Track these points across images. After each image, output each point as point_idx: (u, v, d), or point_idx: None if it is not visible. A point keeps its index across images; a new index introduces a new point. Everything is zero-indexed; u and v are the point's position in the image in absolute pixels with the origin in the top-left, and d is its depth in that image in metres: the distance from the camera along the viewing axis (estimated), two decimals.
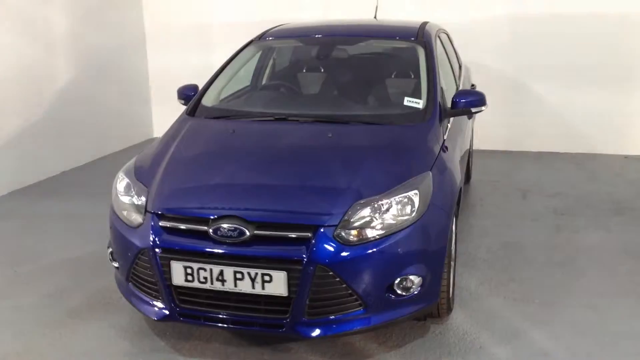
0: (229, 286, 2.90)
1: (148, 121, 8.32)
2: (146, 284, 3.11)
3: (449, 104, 3.90)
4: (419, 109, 3.75)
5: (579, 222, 4.97)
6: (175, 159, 3.43)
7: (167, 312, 3.06)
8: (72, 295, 3.88)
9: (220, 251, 2.90)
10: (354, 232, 2.88)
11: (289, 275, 2.81)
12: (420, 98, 3.84)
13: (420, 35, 4.35)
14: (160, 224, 3.04)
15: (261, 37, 4.62)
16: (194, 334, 3.37)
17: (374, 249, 2.87)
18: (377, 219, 2.92)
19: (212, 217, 2.95)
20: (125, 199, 3.27)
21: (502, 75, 7.19)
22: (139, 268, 3.10)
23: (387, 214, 2.94)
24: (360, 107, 4.01)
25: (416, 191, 3.03)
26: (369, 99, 4.12)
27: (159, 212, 3.06)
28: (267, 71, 4.65)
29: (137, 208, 3.17)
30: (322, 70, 4.43)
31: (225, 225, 2.89)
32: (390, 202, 2.96)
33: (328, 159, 3.30)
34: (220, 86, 4.28)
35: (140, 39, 8.03)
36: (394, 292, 2.95)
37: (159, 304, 3.08)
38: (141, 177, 3.32)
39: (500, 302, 3.69)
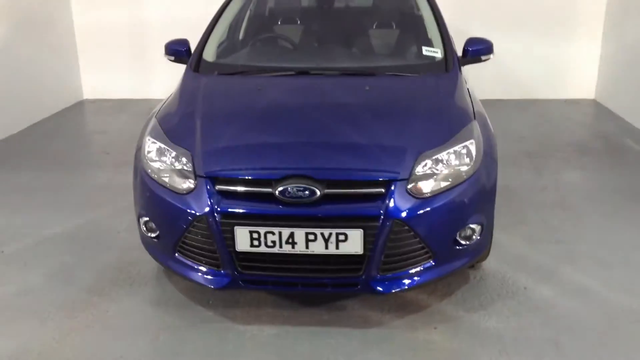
0: (299, 248, 2.79)
1: (77, 82, 7.69)
2: (202, 252, 2.93)
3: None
4: (438, 58, 3.74)
5: (553, 163, 5.23)
6: (210, 118, 3.22)
7: (228, 279, 2.91)
8: (82, 272, 3.59)
9: (290, 213, 2.77)
10: (423, 185, 2.85)
11: (365, 232, 2.75)
12: (434, 47, 3.83)
13: None
14: (217, 188, 2.85)
15: None
16: (240, 300, 3.24)
17: (444, 201, 2.87)
18: (442, 171, 2.91)
19: (275, 178, 2.80)
20: (162, 164, 3.03)
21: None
22: (192, 236, 2.91)
23: (450, 165, 2.93)
24: (379, 57, 3.93)
25: (472, 140, 3.05)
26: (382, 49, 4.05)
27: (214, 176, 2.86)
28: (262, 22, 4.43)
29: (182, 173, 2.95)
30: (323, 20, 4.29)
31: (293, 186, 2.76)
32: (452, 153, 2.96)
33: (378, 113, 3.22)
34: (216, 40, 4.03)
35: None
36: (458, 242, 2.97)
37: (218, 272, 2.92)
38: (177, 139, 3.08)
39: (520, 244, 3.83)
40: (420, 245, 2.86)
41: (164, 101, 3.60)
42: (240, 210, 2.80)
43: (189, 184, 2.91)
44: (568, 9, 7.14)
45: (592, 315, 3.11)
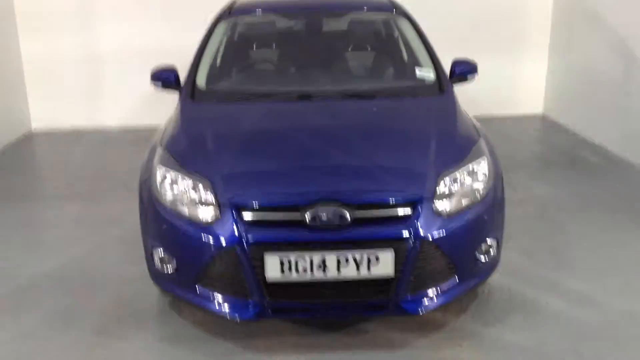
0: (331, 273, 2.77)
1: (24, 113, 7.35)
2: (227, 282, 2.86)
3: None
4: (431, 79, 3.83)
5: (523, 178, 5.43)
6: (225, 145, 3.17)
7: (257, 309, 2.84)
8: (81, 313, 3.41)
9: (322, 239, 2.75)
10: (446, 203, 2.90)
11: (396, 254, 2.76)
12: (424, 68, 3.92)
13: (397, 7, 4.41)
14: (243, 216, 2.79)
15: (230, 12, 4.34)
16: (258, 330, 3.16)
17: (467, 218, 2.93)
18: (460, 189, 2.97)
19: (304, 204, 2.78)
20: (177, 194, 2.95)
21: None
22: (217, 266, 2.83)
23: (467, 183, 3.00)
24: (374, 80, 3.99)
25: (484, 157, 3.14)
26: (373, 72, 4.11)
27: (240, 204, 2.81)
28: (249, 47, 4.39)
29: (202, 202, 2.88)
30: (311, 44, 4.30)
31: (323, 211, 2.74)
32: (468, 172, 3.03)
33: (391, 135, 3.26)
34: (206, 66, 3.97)
35: (8, 18, 7.00)
36: (478, 258, 3.04)
37: (246, 302, 2.85)
38: (191, 167, 3.01)
39: (515, 257, 3.94)
40: (446, 264, 2.90)
41: (162, 130, 3.50)
42: (270, 238, 2.76)
43: (212, 213, 2.84)
44: (514, 26, 7.42)
45: (602, 322, 3.23)
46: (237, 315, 2.88)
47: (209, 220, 2.83)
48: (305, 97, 3.63)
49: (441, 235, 2.83)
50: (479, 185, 3.02)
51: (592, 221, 4.47)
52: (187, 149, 3.18)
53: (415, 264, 2.80)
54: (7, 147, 6.67)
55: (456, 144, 3.20)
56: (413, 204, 2.83)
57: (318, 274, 2.77)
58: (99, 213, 4.79)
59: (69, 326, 3.28)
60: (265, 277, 2.78)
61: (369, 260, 2.76)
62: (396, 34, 4.32)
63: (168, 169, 3.04)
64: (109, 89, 7.32)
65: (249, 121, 3.43)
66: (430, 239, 2.80)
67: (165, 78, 3.93)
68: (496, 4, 7.34)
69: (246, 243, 2.75)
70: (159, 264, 3.05)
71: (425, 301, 2.91)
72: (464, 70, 4.00)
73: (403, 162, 3.05)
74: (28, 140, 7.05)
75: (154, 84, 4.00)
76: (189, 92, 3.73)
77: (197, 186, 2.92)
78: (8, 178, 5.68)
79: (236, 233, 2.76)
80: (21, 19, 7.09)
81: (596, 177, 5.43)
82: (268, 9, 4.44)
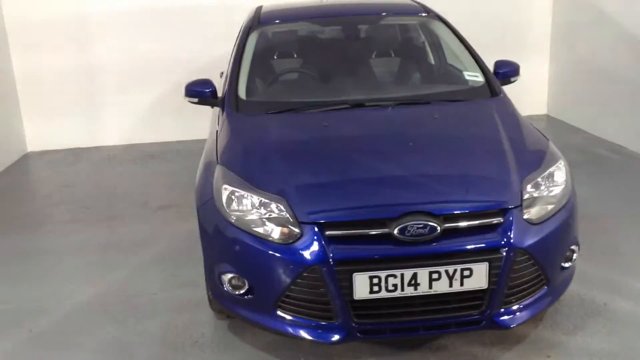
0: (422, 289, 2.63)
1: (19, 133, 7.04)
2: (311, 304, 2.69)
3: None
4: (480, 82, 3.73)
5: None
6: (293, 159, 3.02)
7: (344, 332, 2.68)
8: (136, 343, 3.21)
9: (413, 253, 2.61)
10: (533, 210, 2.79)
11: (490, 265, 2.64)
12: (472, 71, 3.82)
13: (429, 10, 4.31)
14: (327, 234, 2.63)
15: (259, 21, 4.18)
16: (330, 350, 3.00)
17: (555, 224, 2.83)
18: (544, 194, 2.86)
19: (391, 217, 2.63)
20: (249, 214, 2.77)
21: None
22: (299, 288, 2.67)
23: (550, 188, 2.90)
24: (422, 86, 3.88)
25: (562, 161, 3.04)
26: (419, 78, 4.00)
27: (322, 221, 2.65)
28: (287, 57, 4.24)
29: (278, 221, 2.71)
30: (351, 51, 4.17)
31: (412, 223, 2.61)
32: (548, 176, 2.93)
33: (462, 141, 3.15)
34: (245, 77, 3.80)
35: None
36: (563, 266, 2.93)
37: (332, 325, 2.69)
38: (261, 185, 2.84)
39: None
40: (537, 273, 2.78)
41: (213, 147, 3.32)
42: (359, 255, 2.61)
43: (291, 232, 2.67)
44: (517, 30, 7.45)
45: None
46: (323, 339, 2.71)
47: (289, 240, 2.67)
48: (358, 105, 3.48)
49: (533, 243, 2.71)
50: (561, 190, 2.92)
51: (633, 220, 4.41)
52: (251, 166, 3.00)
53: (508, 274, 2.67)
54: (5, 171, 6.36)
55: (530, 149, 3.10)
56: (503, 212, 2.71)
57: (409, 290, 2.63)
58: (125, 236, 4.57)
59: (124, 358, 3.07)
60: (352, 297, 2.62)
61: (462, 274, 2.63)
62: (433, 37, 4.21)
63: (235, 188, 2.87)
64: (105, 105, 7.06)
65: (309, 132, 3.27)
66: (523, 248, 2.68)
67: (202, 92, 3.75)
68: (497, 6, 7.34)
69: (333, 262, 2.59)
70: (230, 289, 2.87)
71: (518, 314, 2.79)
72: (508, 71, 3.91)
73: (484, 169, 2.93)
74: (25, 162, 6.75)
75: (189, 100, 3.82)
76: (234, 105, 3.55)
77: (271, 204, 2.75)
78: (15, 204, 5.39)
79: (321, 252, 2.60)
80: (12, 35, 6.79)
81: (622, 174, 5.40)
82: (298, 17, 4.31)
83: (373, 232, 2.63)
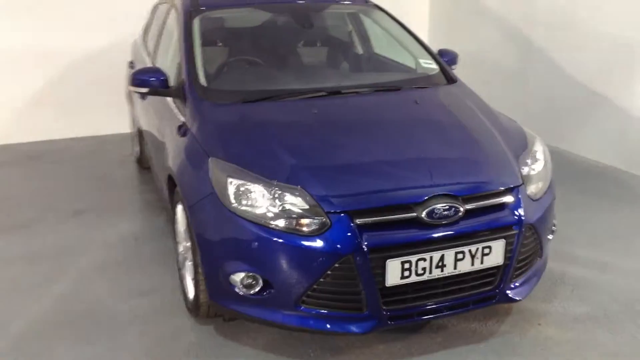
0: (448, 270, 2.67)
1: None
2: (340, 296, 2.61)
3: None
4: (436, 69, 3.84)
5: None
6: (297, 147, 2.87)
7: (374, 320, 2.64)
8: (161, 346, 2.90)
9: (442, 235, 2.63)
10: (532, 188, 2.94)
11: (506, 242, 2.74)
12: (425, 59, 3.93)
13: (368, 0, 4.35)
14: (357, 221, 2.56)
15: (199, 6, 3.93)
16: (341, 345, 2.93)
17: (548, 199, 3.01)
18: (535, 172, 3.03)
19: (417, 201, 2.63)
20: (264, 208, 2.61)
21: None
22: (329, 280, 2.57)
23: (538, 166, 3.07)
24: (385, 73, 3.89)
25: (539, 139, 3.23)
26: (379, 65, 4.01)
27: (352, 209, 2.57)
28: (242, 44, 4.00)
29: (300, 213, 2.58)
30: (301, 40, 4.07)
31: (439, 206, 2.63)
32: (534, 155, 3.10)
33: (452, 124, 3.21)
34: (201, 66, 3.55)
35: None
36: (548, 238, 3.13)
37: (361, 315, 2.63)
38: (273, 175, 2.68)
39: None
40: (537, 246, 2.94)
41: (189, 140, 3.07)
42: (391, 241, 2.57)
43: (318, 222, 2.56)
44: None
45: (632, 282, 3.52)
46: (355, 330, 2.64)
47: (318, 231, 2.55)
48: (335, 93, 3.41)
49: (537, 218, 2.87)
50: (544, 166, 3.10)
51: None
52: (251, 156, 2.82)
53: (520, 249, 2.80)
54: None
55: (511, 130, 3.25)
56: (512, 189, 2.82)
57: (436, 272, 2.65)
58: (49, 244, 4.07)
59: None
60: (384, 284, 2.59)
61: (482, 252, 2.70)
62: (381, 26, 4.24)
63: (242, 181, 2.67)
64: None
65: (302, 119, 3.14)
66: (531, 223, 2.82)
67: (151, 81, 3.45)
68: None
69: (366, 249, 2.53)
70: (242, 289, 2.68)
71: (524, 286, 2.93)
72: (449, 60, 4.06)
73: (486, 151, 3.01)
74: None
75: (136, 90, 3.51)
76: (201, 94, 3.31)
77: (285, 195, 2.61)
78: None
79: (355, 240, 2.53)
80: None
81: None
82: (241, 2, 4.11)
83: (402, 216, 2.61)
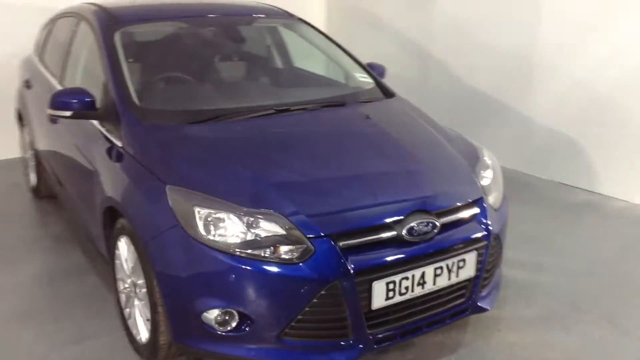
0: (428, 287, 2.64)
1: None
2: (325, 324, 2.49)
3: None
4: (372, 83, 3.81)
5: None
6: (263, 169, 2.70)
7: (361, 346, 2.54)
8: None
9: (424, 252, 2.59)
10: (491, 198, 2.99)
11: (477, 253, 2.76)
12: (360, 73, 3.90)
13: (292, 14, 4.25)
14: (340, 245, 2.45)
15: (116, 21, 3.63)
16: None
17: (504, 207, 3.08)
18: (490, 181, 3.08)
19: (397, 219, 2.57)
20: (233, 236, 2.43)
21: None
22: (314, 309, 2.44)
23: (491, 176, 3.12)
24: (324, 88, 3.80)
25: (485, 149, 3.30)
26: (315, 80, 3.92)
27: (334, 233, 2.45)
28: (170, 61, 3.70)
29: (278, 239, 2.43)
30: (235, 55, 3.89)
31: (417, 223, 2.59)
32: (483, 164, 3.15)
33: (406, 139, 3.18)
34: (132, 85, 3.26)
35: None
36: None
37: (347, 342, 2.52)
38: (240, 201, 2.50)
39: None
40: (500, 254, 3.00)
41: (135, 168, 2.81)
42: (376, 263, 2.49)
43: (299, 248, 2.42)
44: None
45: (564, 278, 3.70)
46: (342, 359, 2.51)
47: (301, 258, 2.41)
48: (282, 110, 3.27)
49: (500, 227, 2.92)
50: (496, 175, 3.16)
51: None
52: (215, 181, 2.61)
53: (488, 260, 2.83)
54: None
55: (460, 141, 3.29)
56: (478, 201, 2.85)
57: (417, 290, 2.61)
58: None
59: None
60: (370, 307, 2.50)
61: (458, 265, 2.70)
62: (309, 40, 4.14)
63: (210, 210, 2.47)
64: None
65: (261, 139, 2.95)
66: (496, 233, 2.87)
67: (75, 104, 3.13)
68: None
69: (353, 273, 2.43)
70: (216, 327, 2.47)
71: (492, 294, 2.97)
72: (379, 73, 4.06)
73: (447, 164, 3.01)
74: None
75: (57, 114, 3.17)
76: (140, 116, 3.04)
77: (260, 221, 2.45)
78: None
79: (341, 265, 2.42)
80: None
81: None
82: (163, 17, 3.85)
83: (385, 236, 2.54)
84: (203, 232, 2.44)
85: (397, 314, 2.62)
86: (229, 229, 2.44)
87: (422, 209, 2.64)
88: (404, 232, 2.55)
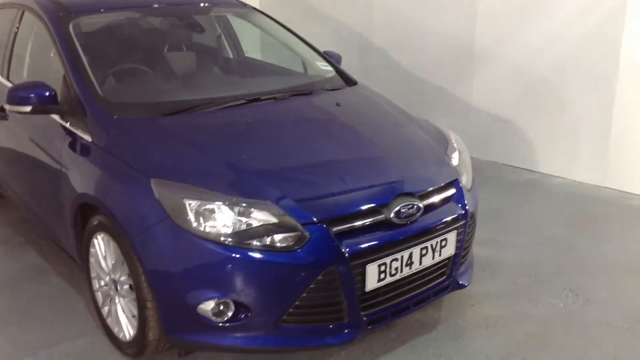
0: (415, 267, 2.72)
1: None
2: (321, 309, 2.53)
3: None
4: (332, 71, 3.84)
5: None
6: (249, 158, 2.69)
7: (355, 327, 2.59)
8: None
9: (412, 233, 2.66)
10: (463, 178, 3.10)
11: (457, 232, 2.86)
12: (320, 61, 3.93)
13: (246, 4, 4.22)
14: (334, 230, 2.48)
15: (68, 12, 3.48)
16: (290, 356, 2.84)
17: (475, 186, 3.20)
18: (460, 163, 3.19)
19: (385, 202, 2.63)
20: (225, 226, 2.42)
21: None
22: (311, 295, 2.47)
23: (459, 157, 3.23)
24: (288, 77, 3.78)
25: (451, 132, 3.42)
26: (276, 70, 3.90)
27: (328, 218, 2.48)
28: (130, 52, 3.58)
29: (271, 227, 2.43)
30: (194, 46, 3.80)
31: (404, 205, 2.65)
32: (452, 145, 3.27)
33: (380, 125, 3.24)
34: (94, 77, 3.15)
35: None
36: None
37: (343, 324, 2.57)
38: (229, 191, 2.49)
39: None
40: (473, 232, 3.12)
41: (111, 162, 2.73)
42: (369, 246, 2.54)
43: (294, 235, 2.44)
44: None
45: (526, 254, 3.89)
46: (338, 341, 2.56)
47: (296, 245, 2.43)
48: (253, 100, 3.24)
49: (474, 207, 3.04)
50: (465, 157, 3.28)
51: None
52: (200, 172, 2.58)
53: (466, 238, 2.94)
54: None
55: (428, 126, 3.38)
56: (454, 182, 2.95)
57: (406, 271, 2.68)
58: None
59: None
60: (363, 290, 2.55)
61: (440, 245, 2.79)
62: (266, 30, 4.12)
63: (200, 200, 2.44)
64: None
65: (240, 129, 2.93)
66: (472, 212, 2.98)
67: (34, 98, 3.00)
68: None
69: (347, 257, 2.47)
70: (212, 318, 2.45)
71: (469, 270, 3.10)
72: (336, 61, 4.09)
73: (422, 148, 3.09)
74: None
75: (15, 109, 3.03)
76: (108, 109, 2.94)
77: (251, 209, 2.44)
78: None
79: (336, 250, 2.45)
80: None
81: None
82: (114, 7, 3.72)
83: (374, 219, 2.59)
84: (194, 224, 2.41)
85: (386, 294, 2.68)
86: (221, 220, 2.43)
87: (406, 192, 2.71)
88: (392, 215, 2.61)
